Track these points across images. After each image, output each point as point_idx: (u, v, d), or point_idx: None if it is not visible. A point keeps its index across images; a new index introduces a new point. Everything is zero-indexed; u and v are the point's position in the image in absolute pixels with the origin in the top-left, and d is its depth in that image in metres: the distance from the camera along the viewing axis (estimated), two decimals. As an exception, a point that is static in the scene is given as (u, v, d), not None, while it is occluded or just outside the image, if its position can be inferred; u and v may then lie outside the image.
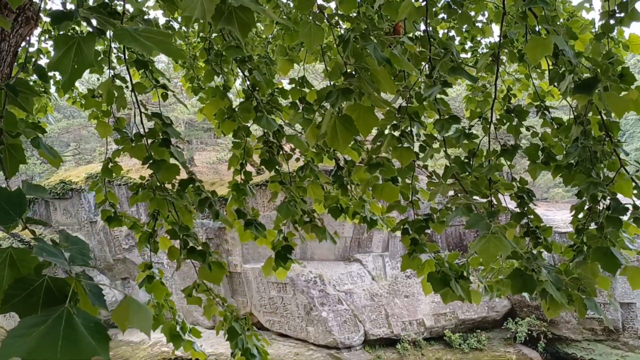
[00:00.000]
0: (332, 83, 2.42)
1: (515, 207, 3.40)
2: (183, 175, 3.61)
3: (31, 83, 5.25)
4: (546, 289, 2.34)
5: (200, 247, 3.35)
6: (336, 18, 2.83)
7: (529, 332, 17.87)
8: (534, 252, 3.26)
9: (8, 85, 1.64)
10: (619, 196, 2.99)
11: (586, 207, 3.07)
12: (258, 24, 5.57)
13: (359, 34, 2.13)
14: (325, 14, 2.40)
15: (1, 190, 1.28)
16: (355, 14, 2.96)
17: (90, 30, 1.64)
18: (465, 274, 2.77)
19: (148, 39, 1.44)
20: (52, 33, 5.33)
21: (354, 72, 2.12)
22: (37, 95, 1.76)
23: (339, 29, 2.44)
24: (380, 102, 2.11)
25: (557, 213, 18.00)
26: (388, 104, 2.26)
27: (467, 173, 3.04)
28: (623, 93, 2.44)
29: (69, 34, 1.65)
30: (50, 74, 5.17)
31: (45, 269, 1.25)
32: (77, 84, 6.05)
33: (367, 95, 2.07)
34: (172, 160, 3.18)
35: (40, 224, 1.40)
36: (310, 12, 2.45)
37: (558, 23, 3.90)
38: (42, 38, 5.26)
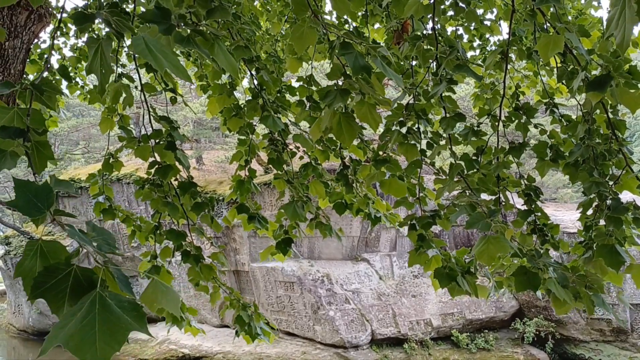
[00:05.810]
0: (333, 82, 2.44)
1: (522, 205, 3.40)
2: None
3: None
4: (549, 286, 2.35)
5: (194, 252, 3.75)
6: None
7: (537, 333, 17.79)
8: (541, 250, 3.27)
9: (34, 84, 1.72)
10: (627, 193, 2.99)
11: (595, 204, 3.07)
12: (267, 22, 5.59)
13: (340, 42, 2.11)
14: (320, 18, 2.41)
15: (30, 184, 1.33)
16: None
17: (107, 31, 1.70)
18: (472, 269, 2.78)
19: (162, 53, 1.50)
20: (65, 30, 5.39)
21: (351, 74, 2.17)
22: (60, 94, 1.87)
23: (334, 35, 2.47)
24: (382, 100, 2.16)
25: (565, 213, 17.90)
26: (389, 103, 2.29)
27: (475, 170, 3.05)
28: (632, 90, 2.44)
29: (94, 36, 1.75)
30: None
31: (74, 259, 1.31)
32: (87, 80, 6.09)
33: (369, 95, 2.11)
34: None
35: (68, 216, 1.46)
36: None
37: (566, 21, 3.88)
38: (55, 35, 5.31)
